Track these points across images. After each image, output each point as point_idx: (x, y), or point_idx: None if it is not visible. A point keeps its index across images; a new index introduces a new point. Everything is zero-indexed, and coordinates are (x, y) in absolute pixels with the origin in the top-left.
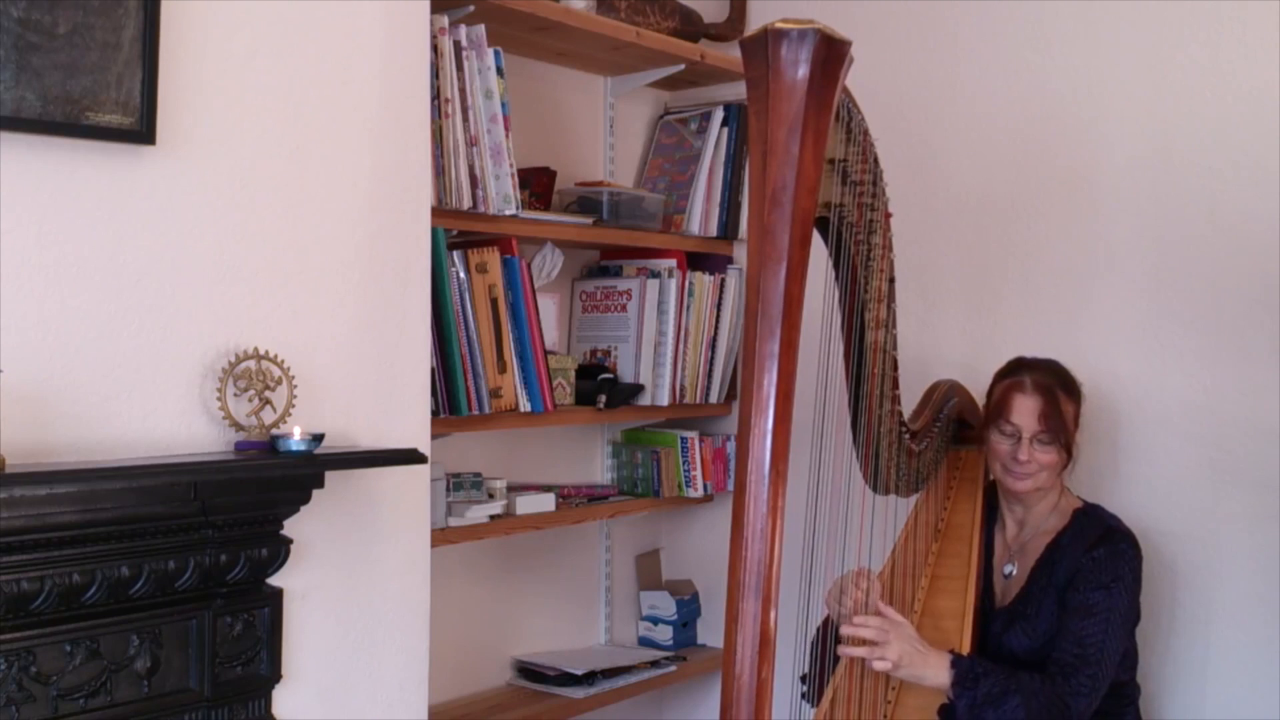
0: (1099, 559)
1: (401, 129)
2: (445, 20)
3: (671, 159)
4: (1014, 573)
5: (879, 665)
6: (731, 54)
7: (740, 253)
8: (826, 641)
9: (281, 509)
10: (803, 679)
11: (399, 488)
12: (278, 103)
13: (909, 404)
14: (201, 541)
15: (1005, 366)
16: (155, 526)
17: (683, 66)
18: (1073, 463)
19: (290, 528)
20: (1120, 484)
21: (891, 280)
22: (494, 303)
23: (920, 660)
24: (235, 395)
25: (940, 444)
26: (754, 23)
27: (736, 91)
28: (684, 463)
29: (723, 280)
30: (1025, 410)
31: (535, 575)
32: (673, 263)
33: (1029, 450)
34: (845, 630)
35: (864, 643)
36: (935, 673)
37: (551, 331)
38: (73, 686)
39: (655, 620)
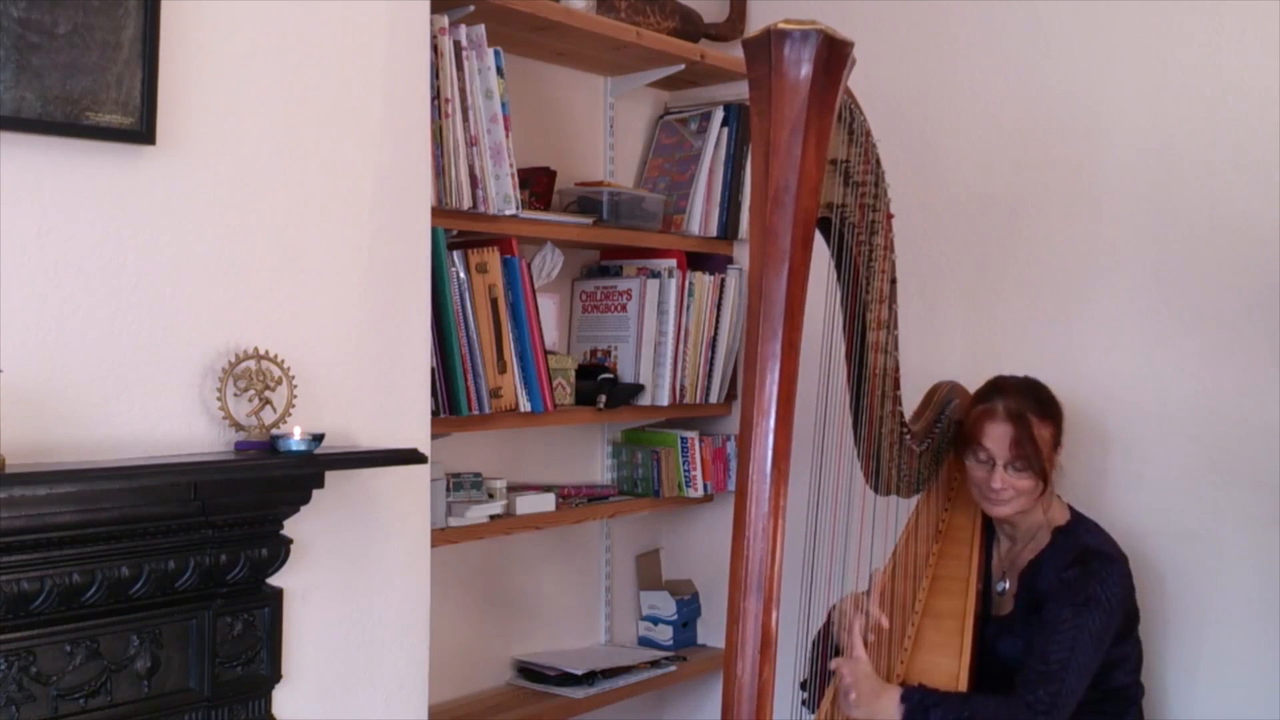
0: (1069, 579)
1: (401, 129)
2: (445, 20)
3: (671, 159)
4: (1006, 589)
5: (849, 700)
6: (731, 54)
7: (740, 253)
8: (825, 648)
9: (281, 509)
10: (803, 685)
11: (399, 488)
12: (278, 103)
13: (910, 405)
14: (201, 541)
15: (982, 389)
16: (155, 526)
17: (683, 66)
18: (1049, 488)
19: (290, 528)
20: (1120, 484)
21: (893, 281)
22: (494, 303)
23: (873, 697)
24: (235, 395)
25: (941, 445)
26: (754, 23)
27: (736, 91)
28: (684, 463)
29: (723, 280)
30: (996, 437)
31: (535, 575)
32: (673, 263)
33: (1003, 477)
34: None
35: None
36: (886, 708)
37: (551, 331)
38: (73, 686)
39: (655, 620)
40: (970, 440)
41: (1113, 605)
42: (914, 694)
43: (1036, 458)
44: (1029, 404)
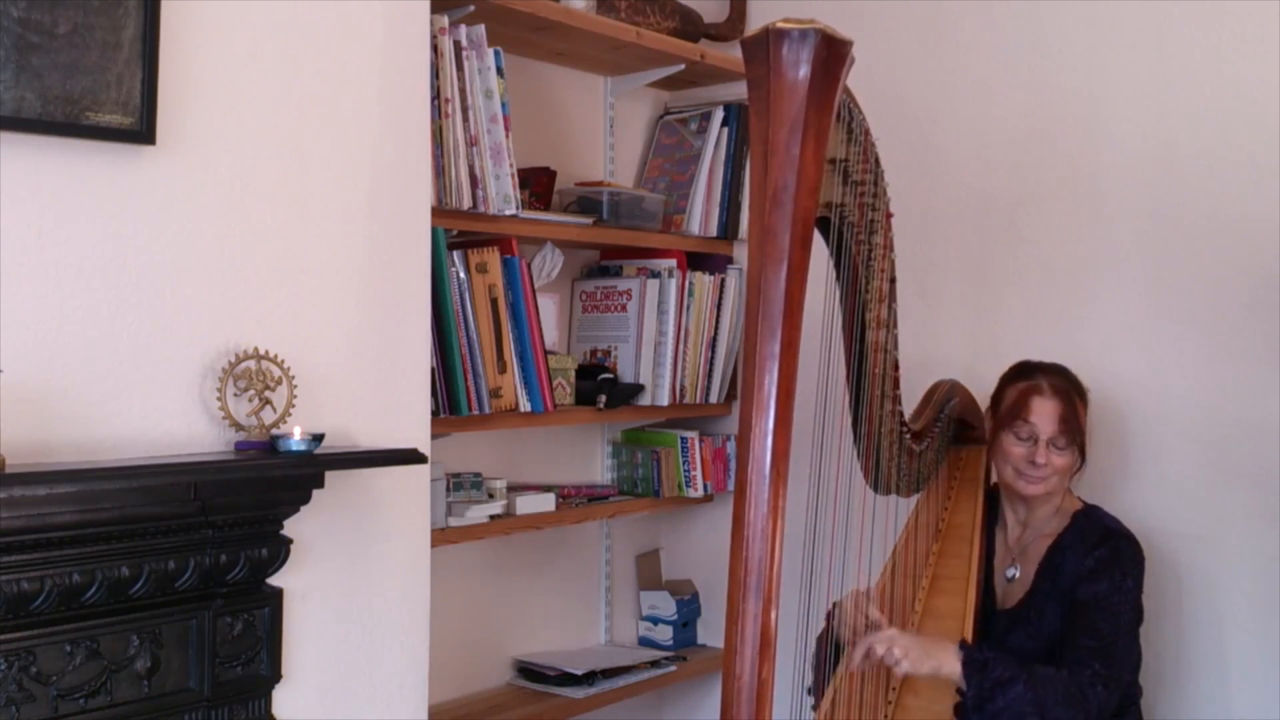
0: (1102, 557)
1: (401, 129)
2: (445, 20)
3: (671, 159)
4: (1017, 575)
5: (902, 667)
6: (731, 54)
7: (740, 253)
8: (825, 653)
9: (281, 509)
10: (809, 691)
11: (399, 488)
12: (278, 103)
13: (909, 404)
14: (201, 541)
15: (1014, 370)
16: (155, 526)
17: (683, 66)
18: (1085, 466)
19: (290, 528)
20: (1121, 484)
21: (892, 280)
22: (494, 303)
23: (925, 655)
24: (235, 395)
25: (941, 444)
26: (754, 23)
27: (736, 91)
28: (684, 463)
29: (723, 280)
30: (1044, 413)
31: (535, 575)
32: (673, 263)
33: (1046, 453)
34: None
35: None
36: (945, 661)
37: (551, 331)
38: (73, 686)
39: (655, 620)
40: (1013, 416)
41: (1139, 586)
42: (970, 649)
43: (1079, 433)
44: (1070, 384)
